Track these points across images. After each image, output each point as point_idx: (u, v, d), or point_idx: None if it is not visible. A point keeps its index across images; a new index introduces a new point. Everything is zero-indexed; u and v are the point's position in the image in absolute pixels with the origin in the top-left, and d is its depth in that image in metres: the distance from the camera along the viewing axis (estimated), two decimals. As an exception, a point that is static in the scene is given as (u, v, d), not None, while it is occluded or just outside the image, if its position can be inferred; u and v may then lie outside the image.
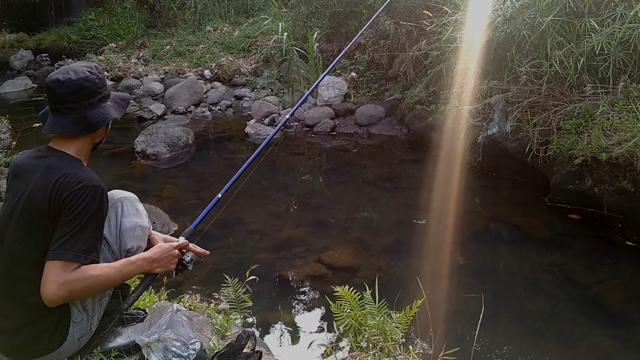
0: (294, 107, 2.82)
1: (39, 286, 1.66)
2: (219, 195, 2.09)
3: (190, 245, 1.96)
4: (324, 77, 3.42)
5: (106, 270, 1.67)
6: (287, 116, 2.79)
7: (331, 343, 2.50)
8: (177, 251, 1.87)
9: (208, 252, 1.99)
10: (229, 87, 9.00)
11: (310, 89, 3.24)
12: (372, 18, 3.89)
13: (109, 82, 8.67)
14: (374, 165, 5.89)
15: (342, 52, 3.40)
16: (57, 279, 1.58)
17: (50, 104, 1.73)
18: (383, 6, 4.38)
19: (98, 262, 1.68)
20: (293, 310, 3.26)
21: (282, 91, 8.25)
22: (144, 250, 1.86)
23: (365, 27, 3.72)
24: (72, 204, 1.61)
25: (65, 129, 1.71)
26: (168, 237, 2.04)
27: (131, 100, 6.18)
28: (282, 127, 7.01)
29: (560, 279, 3.49)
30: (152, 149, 6.06)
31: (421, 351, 2.55)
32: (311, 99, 7.67)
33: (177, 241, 1.93)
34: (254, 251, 3.92)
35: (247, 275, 2.64)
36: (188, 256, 1.91)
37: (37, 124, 7.06)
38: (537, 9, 4.60)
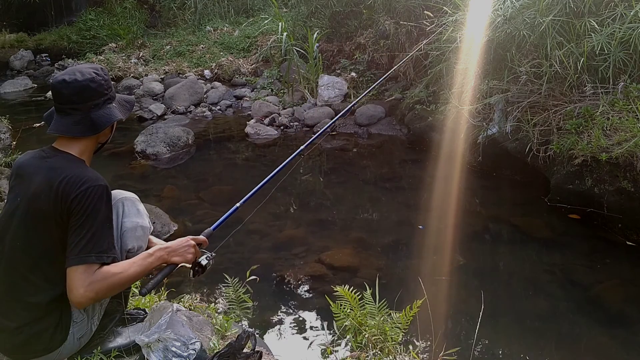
0: (331, 121, 2.79)
1: (40, 286, 1.68)
2: (237, 205, 2.10)
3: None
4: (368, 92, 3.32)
5: (127, 266, 1.68)
6: (318, 133, 2.74)
7: (331, 343, 2.50)
8: (193, 242, 1.86)
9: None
10: (229, 87, 9.00)
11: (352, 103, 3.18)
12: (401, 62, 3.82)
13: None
14: (374, 165, 5.89)
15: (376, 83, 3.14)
16: (82, 282, 1.59)
17: (56, 105, 1.74)
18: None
19: (118, 259, 1.70)
20: (293, 310, 3.26)
21: (282, 91, 8.25)
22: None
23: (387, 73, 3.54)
24: (81, 206, 1.62)
25: (70, 129, 1.71)
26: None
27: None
28: (283, 129, 7.06)
29: (560, 279, 3.49)
30: (152, 149, 6.07)
31: (421, 351, 2.55)
32: (311, 99, 7.68)
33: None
34: (254, 251, 3.92)
35: (247, 275, 2.64)
36: (204, 260, 1.87)
37: (37, 124, 7.06)
38: (537, 9, 4.60)
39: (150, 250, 1.77)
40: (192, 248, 1.85)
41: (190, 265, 1.86)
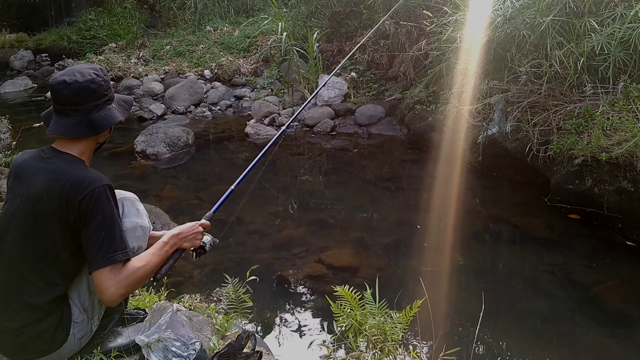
0: (300, 108, 2.88)
1: (40, 287, 1.68)
2: (232, 187, 2.18)
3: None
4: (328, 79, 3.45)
5: (148, 258, 1.74)
6: (293, 117, 2.85)
7: (331, 343, 2.50)
8: (201, 228, 1.93)
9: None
10: (229, 87, 8.99)
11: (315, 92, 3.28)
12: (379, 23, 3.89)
13: (109, 82, 8.66)
14: (374, 165, 5.89)
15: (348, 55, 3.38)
16: (112, 281, 1.63)
17: (55, 105, 1.73)
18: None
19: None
20: (293, 310, 3.26)
21: (282, 91, 8.25)
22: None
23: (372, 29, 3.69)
24: (91, 209, 1.64)
25: (70, 131, 1.71)
26: None
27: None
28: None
29: (560, 279, 3.49)
30: (152, 149, 6.07)
31: (421, 351, 2.55)
32: (311, 99, 7.67)
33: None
34: (254, 251, 3.93)
35: (247, 275, 2.64)
36: (206, 239, 1.95)
37: (37, 124, 7.06)
38: (537, 9, 4.60)
39: (164, 239, 1.82)
40: (200, 234, 1.92)
41: (193, 249, 1.94)
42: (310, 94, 7.72)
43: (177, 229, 1.88)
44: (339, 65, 3.33)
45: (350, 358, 2.19)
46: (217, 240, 2.02)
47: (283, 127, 2.65)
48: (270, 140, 2.48)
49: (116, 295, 1.63)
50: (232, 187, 2.17)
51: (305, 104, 3.12)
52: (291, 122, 2.84)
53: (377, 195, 5.13)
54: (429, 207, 4.71)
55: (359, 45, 3.53)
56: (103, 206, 1.65)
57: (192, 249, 1.92)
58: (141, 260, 1.71)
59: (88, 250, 1.65)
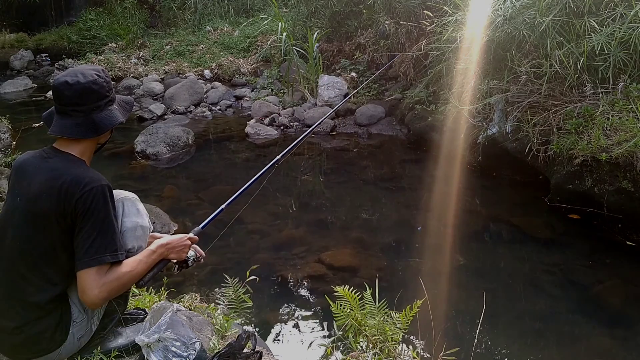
0: (305, 134, 2.90)
1: (40, 286, 1.68)
2: (223, 207, 2.17)
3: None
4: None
5: (135, 265, 1.73)
6: (300, 139, 2.85)
7: (331, 343, 2.50)
8: (190, 242, 1.94)
9: (204, 255, 2.05)
10: (229, 87, 9.00)
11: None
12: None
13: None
14: (374, 165, 5.89)
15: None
16: (96, 283, 1.62)
17: (57, 106, 1.73)
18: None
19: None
20: (293, 310, 3.26)
21: (282, 91, 8.25)
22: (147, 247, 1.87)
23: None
24: (87, 207, 1.64)
25: (72, 131, 1.72)
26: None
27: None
28: (283, 129, 7.06)
29: (560, 279, 3.49)
30: (152, 149, 6.07)
31: (421, 351, 2.55)
32: (311, 99, 7.67)
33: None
34: (254, 251, 3.92)
35: (247, 275, 2.64)
36: (191, 254, 1.96)
37: (37, 124, 7.06)
38: (537, 9, 4.60)
39: (152, 247, 1.82)
40: (187, 247, 1.93)
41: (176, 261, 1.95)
42: (310, 94, 7.73)
43: (166, 238, 1.89)
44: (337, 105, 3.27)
45: (350, 358, 2.19)
46: (202, 259, 2.02)
47: (277, 158, 2.61)
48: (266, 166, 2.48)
49: (99, 298, 1.63)
50: (223, 206, 2.17)
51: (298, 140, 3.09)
52: (287, 152, 2.82)
53: (377, 195, 5.13)
54: (429, 207, 4.71)
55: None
56: (99, 206, 1.65)
57: (175, 261, 1.93)
58: (128, 266, 1.71)
59: (78, 248, 1.65)
